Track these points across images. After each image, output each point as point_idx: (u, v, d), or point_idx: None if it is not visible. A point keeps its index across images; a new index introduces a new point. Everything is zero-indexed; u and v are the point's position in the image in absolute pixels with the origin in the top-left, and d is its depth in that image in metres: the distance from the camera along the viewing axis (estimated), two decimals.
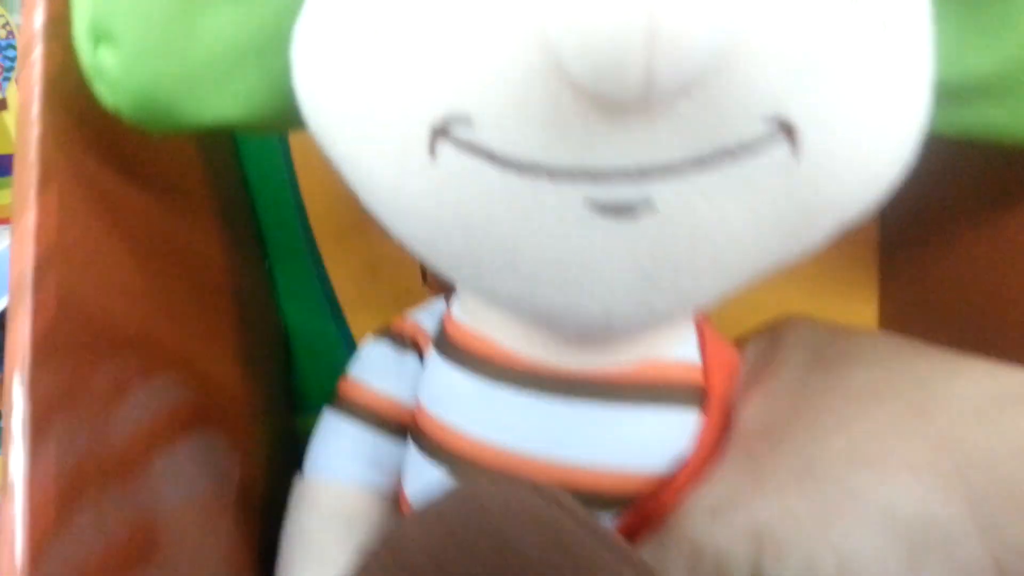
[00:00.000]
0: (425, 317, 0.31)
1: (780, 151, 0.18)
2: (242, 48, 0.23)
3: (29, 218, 0.21)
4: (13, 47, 0.68)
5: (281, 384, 0.38)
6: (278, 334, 0.38)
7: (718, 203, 0.19)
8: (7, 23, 0.67)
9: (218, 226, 0.33)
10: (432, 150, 0.19)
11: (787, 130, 0.18)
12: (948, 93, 0.24)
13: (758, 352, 0.29)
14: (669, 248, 0.20)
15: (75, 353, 0.26)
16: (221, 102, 0.23)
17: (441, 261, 0.22)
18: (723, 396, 0.28)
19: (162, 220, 0.30)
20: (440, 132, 0.18)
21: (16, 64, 0.24)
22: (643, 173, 0.18)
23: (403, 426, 0.30)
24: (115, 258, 0.28)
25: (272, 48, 0.23)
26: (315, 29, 0.21)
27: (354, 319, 0.39)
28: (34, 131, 0.22)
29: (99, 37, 0.22)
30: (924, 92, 0.21)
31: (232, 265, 0.33)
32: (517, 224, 0.19)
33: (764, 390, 0.27)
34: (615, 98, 0.17)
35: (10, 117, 0.67)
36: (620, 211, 0.19)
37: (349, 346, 0.39)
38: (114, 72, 0.22)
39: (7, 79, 0.67)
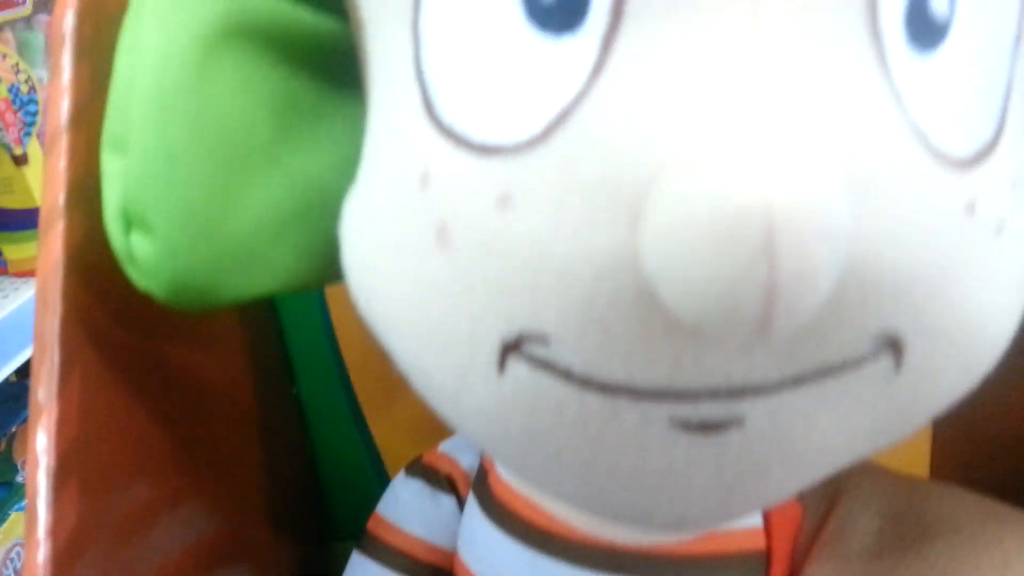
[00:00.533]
0: (462, 450, 0.29)
1: (884, 364, 0.17)
2: (284, 217, 0.21)
3: (50, 415, 0.20)
4: (35, 101, 0.67)
5: (308, 513, 0.36)
6: (305, 463, 0.36)
7: (812, 417, 0.17)
8: (28, 78, 0.66)
9: (243, 360, 0.32)
10: (501, 366, 0.17)
11: (893, 345, 0.17)
12: None
13: (821, 506, 0.28)
14: (756, 460, 0.18)
15: (95, 487, 0.25)
16: (262, 276, 0.21)
17: (502, 459, 0.20)
18: (787, 558, 0.26)
19: (185, 359, 0.28)
20: (512, 348, 0.17)
21: (40, 218, 0.22)
22: (735, 393, 0.16)
23: (436, 570, 0.29)
24: (136, 411, 0.27)
25: (316, 210, 0.21)
26: (369, 214, 0.19)
27: (383, 439, 0.37)
28: (55, 314, 0.20)
29: (131, 222, 0.20)
30: None
31: (257, 396, 0.32)
32: (592, 440, 0.17)
33: (833, 555, 0.26)
34: (722, 342, 0.15)
35: (31, 172, 0.67)
36: (707, 428, 0.17)
37: (379, 471, 0.37)
38: (148, 260, 0.20)
39: (28, 134, 0.66)
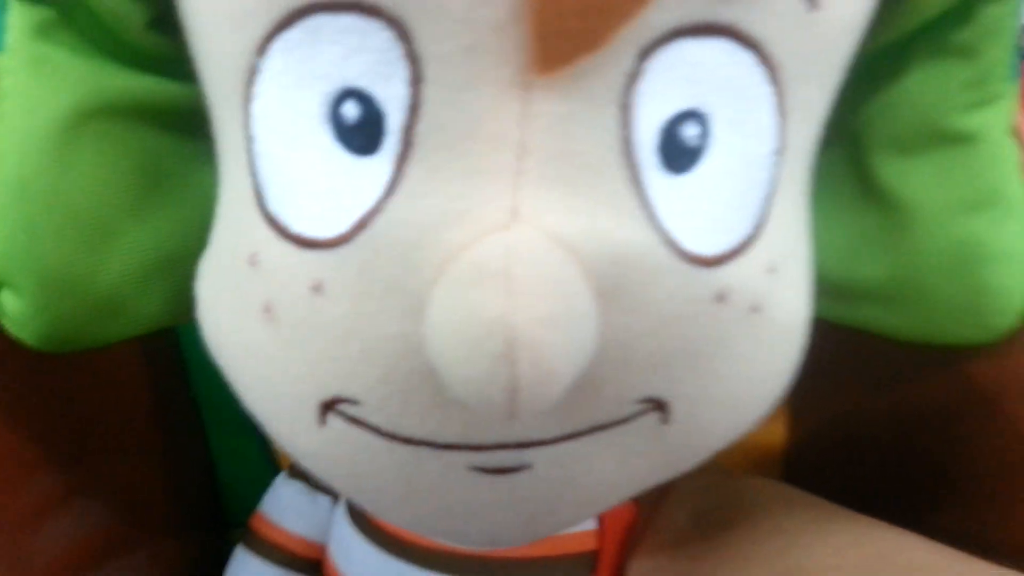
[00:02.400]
0: None
1: (650, 420, 0.20)
2: (149, 269, 0.23)
3: None
4: None
5: (206, 503, 0.39)
6: (202, 457, 0.39)
7: (591, 461, 0.20)
8: None
9: (139, 362, 0.33)
10: (322, 420, 0.20)
11: (658, 404, 0.19)
12: (839, 292, 0.25)
13: (651, 505, 0.31)
14: (546, 496, 0.21)
15: None
16: (129, 322, 0.24)
17: (337, 490, 0.23)
18: (616, 556, 0.29)
19: (79, 361, 0.30)
20: (329, 407, 0.19)
21: None
22: (521, 445, 0.19)
23: (314, 564, 0.31)
24: (28, 411, 0.28)
25: (182, 260, 0.23)
26: (213, 281, 0.21)
27: None
28: None
29: (1, 283, 0.22)
30: (798, 340, 0.22)
31: (153, 396, 0.34)
32: (404, 481, 0.20)
33: (648, 549, 0.29)
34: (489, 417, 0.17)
35: None
36: (501, 471, 0.20)
37: (272, 464, 0.40)
38: (17, 315, 0.22)
39: None
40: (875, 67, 0.23)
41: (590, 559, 0.28)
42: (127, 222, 0.23)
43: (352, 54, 0.17)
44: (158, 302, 0.24)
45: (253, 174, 0.19)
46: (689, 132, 0.18)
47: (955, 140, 0.23)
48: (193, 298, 0.23)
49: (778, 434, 0.39)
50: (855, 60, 0.21)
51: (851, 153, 0.25)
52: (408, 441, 0.19)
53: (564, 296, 0.16)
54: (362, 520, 0.29)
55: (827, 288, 0.24)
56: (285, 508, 0.32)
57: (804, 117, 0.20)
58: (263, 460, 0.40)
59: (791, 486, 0.29)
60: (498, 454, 0.19)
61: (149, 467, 0.34)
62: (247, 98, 0.19)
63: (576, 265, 0.17)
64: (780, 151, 0.20)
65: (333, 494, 0.32)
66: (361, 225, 0.18)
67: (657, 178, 0.18)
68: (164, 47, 0.22)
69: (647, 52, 0.17)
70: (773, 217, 0.20)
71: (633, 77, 0.17)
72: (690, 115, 0.18)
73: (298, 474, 0.33)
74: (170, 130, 0.23)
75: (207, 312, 0.22)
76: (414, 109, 0.17)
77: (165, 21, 0.21)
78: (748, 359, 0.20)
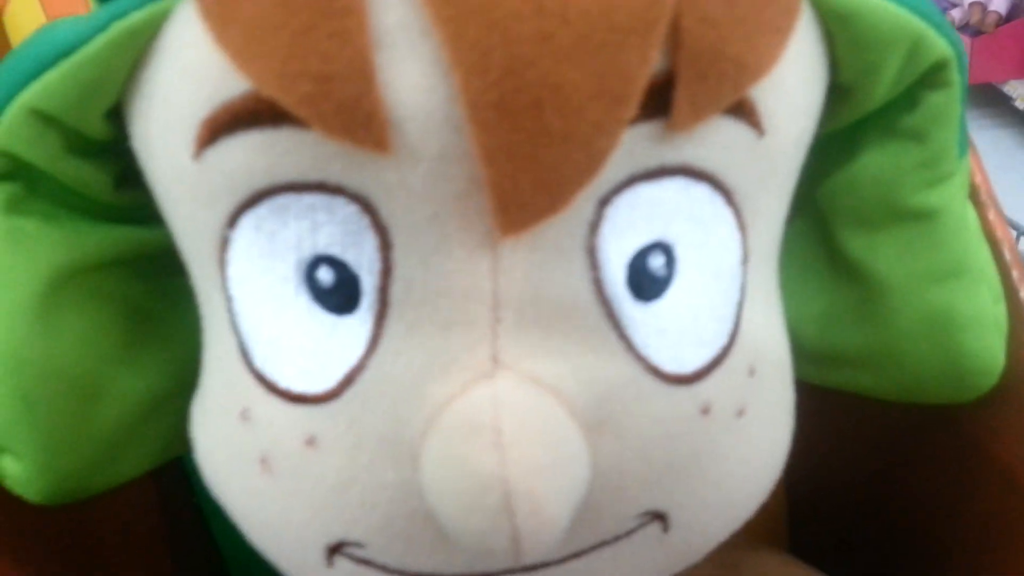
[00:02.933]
0: None
1: (652, 530, 0.20)
2: (142, 412, 0.24)
3: None
4: None
5: None
6: (212, 565, 0.39)
7: (598, 574, 0.20)
8: None
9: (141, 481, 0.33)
10: (329, 562, 0.20)
11: (657, 516, 0.20)
12: (820, 359, 0.25)
13: None
14: None
15: None
16: (131, 463, 0.24)
17: None
18: None
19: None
20: (335, 550, 0.20)
21: None
22: (528, 569, 0.19)
23: None
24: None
25: (173, 397, 0.24)
26: (206, 431, 0.22)
27: None
28: None
29: (1, 449, 0.22)
30: (786, 428, 0.23)
31: (163, 510, 0.34)
32: None
33: None
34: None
35: None
36: None
37: None
38: (19, 478, 0.22)
39: None
40: (832, 147, 0.24)
41: None
42: (116, 370, 0.23)
43: (320, 227, 0.18)
44: (155, 442, 0.24)
45: (236, 332, 0.20)
46: (655, 263, 0.19)
47: (915, 216, 0.23)
48: (188, 433, 0.23)
49: (778, 500, 0.39)
50: (812, 141, 0.22)
51: (818, 226, 0.25)
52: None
53: (554, 442, 0.17)
54: None
55: (806, 354, 0.24)
56: None
57: (764, 224, 0.21)
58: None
59: (793, 559, 0.30)
60: None
61: None
62: (222, 263, 0.19)
63: (561, 406, 0.17)
64: (745, 260, 0.20)
65: None
66: (348, 381, 0.18)
67: (631, 309, 0.18)
68: (135, 198, 0.22)
69: (606, 200, 0.18)
70: (746, 321, 0.21)
71: (595, 224, 0.18)
72: (654, 247, 0.19)
73: None
74: (150, 273, 0.24)
75: (204, 458, 0.22)
76: (386, 272, 0.18)
77: (133, 174, 0.21)
78: (739, 460, 0.21)
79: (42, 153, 0.20)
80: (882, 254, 0.24)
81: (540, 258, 0.17)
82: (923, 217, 0.23)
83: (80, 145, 0.21)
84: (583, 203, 0.17)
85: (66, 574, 0.29)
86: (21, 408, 0.22)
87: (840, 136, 0.24)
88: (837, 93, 0.22)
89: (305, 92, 0.16)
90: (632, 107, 0.16)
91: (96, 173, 0.21)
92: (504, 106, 0.16)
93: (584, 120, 0.16)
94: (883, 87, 0.21)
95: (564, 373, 0.18)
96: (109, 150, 0.21)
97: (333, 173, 0.17)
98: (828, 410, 0.26)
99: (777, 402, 0.22)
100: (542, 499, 0.16)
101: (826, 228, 0.25)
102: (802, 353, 0.23)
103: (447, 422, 0.17)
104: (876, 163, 0.23)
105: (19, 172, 0.21)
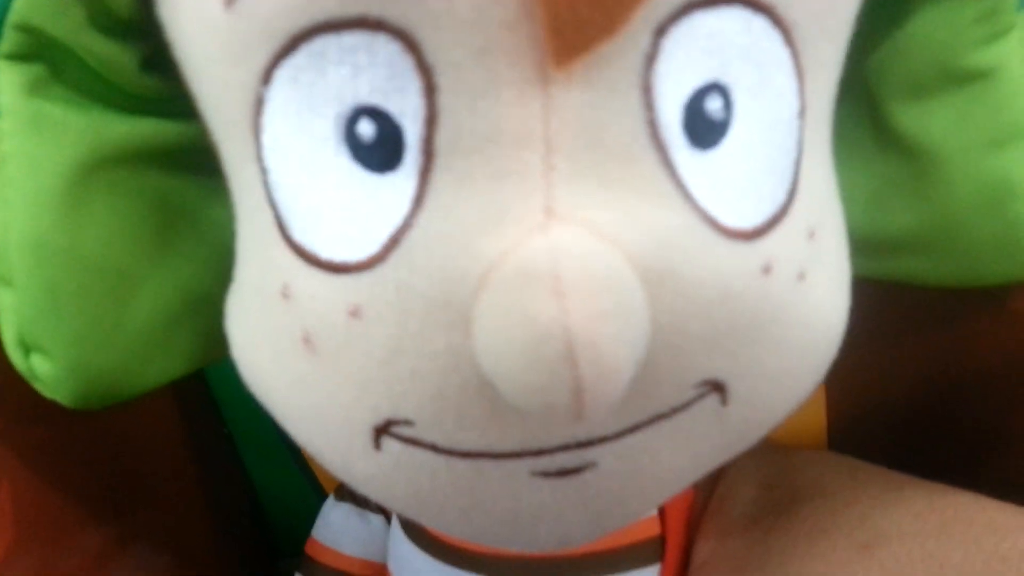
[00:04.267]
0: None
1: (711, 402, 0.19)
2: (175, 313, 0.23)
3: None
4: None
5: (253, 537, 0.39)
6: (244, 492, 0.39)
7: (655, 451, 0.20)
8: None
9: (172, 407, 0.33)
10: (376, 444, 0.19)
11: (716, 386, 0.19)
12: (869, 247, 0.24)
13: (708, 483, 0.30)
14: (614, 491, 0.20)
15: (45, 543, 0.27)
16: (163, 368, 0.23)
17: (397, 512, 0.23)
18: (681, 538, 0.29)
19: (113, 416, 0.30)
20: (382, 430, 0.19)
21: None
22: (583, 445, 0.19)
23: None
24: (72, 469, 0.29)
25: (208, 297, 0.23)
26: (244, 318, 0.21)
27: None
28: None
29: (29, 348, 0.22)
30: (844, 302, 0.22)
31: (189, 436, 0.34)
32: (467, 494, 0.20)
33: (716, 528, 0.29)
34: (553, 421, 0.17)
35: None
36: (564, 473, 0.19)
37: (316, 489, 0.40)
38: (50, 378, 0.22)
39: None
40: (881, 13, 0.23)
41: (656, 545, 0.28)
42: (148, 268, 0.22)
43: (361, 72, 0.17)
44: (189, 344, 0.24)
45: (273, 206, 0.19)
46: (713, 106, 0.18)
47: (972, 77, 0.22)
48: (223, 336, 0.22)
49: (819, 415, 0.38)
50: (861, 8, 0.21)
51: (865, 103, 0.24)
52: (467, 455, 0.19)
53: (614, 289, 0.16)
54: (420, 534, 0.28)
55: (855, 243, 0.23)
56: (338, 531, 0.32)
57: (820, 76, 0.20)
58: (306, 486, 0.39)
59: (848, 456, 0.29)
60: (560, 456, 0.19)
61: (194, 509, 0.35)
62: (256, 130, 0.18)
63: (620, 256, 0.16)
64: (802, 113, 0.19)
65: (385, 512, 0.31)
66: (392, 243, 0.17)
67: (687, 157, 0.17)
68: (161, 87, 0.22)
69: (662, 29, 0.16)
70: (804, 181, 0.20)
71: (651, 57, 0.17)
72: (711, 88, 0.18)
73: (345, 495, 0.32)
74: (178, 169, 0.23)
75: (242, 351, 0.21)
76: (431, 120, 0.17)
77: (158, 61, 0.21)
78: (799, 327, 0.20)
79: (65, 26, 0.19)
80: (935, 123, 0.23)
81: (593, 97, 0.16)
82: (980, 78, 0.22)
83: (104, 20, 0.20)
84: (639, 31, 0.16)
85: (91, 480, 0.29)
86: (48, 301, 0.21)
87: (888, 1, 0.22)
88: None
89: None
90: None
91: (122, 54, 0.21)
92: None
93: None
94: None
95: (621, 222, 0.17)
96: (134, 31, 0.20)
97: (375, 4, 0.16)
98: (865, 319, 0.26)
99: (836, 271, 0.21)
100: (605, 346, 0.16)
101: (873, 104, 0.24)
102: (851, 244, 0.23)
103: (502, 275, 0.16)
104: (930, 22, 0.22)
105: (42, 52, 0.20)
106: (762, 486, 0.29)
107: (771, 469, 0.29)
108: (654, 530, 0.28)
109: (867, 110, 0.24)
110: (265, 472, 0.40)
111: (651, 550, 0.28)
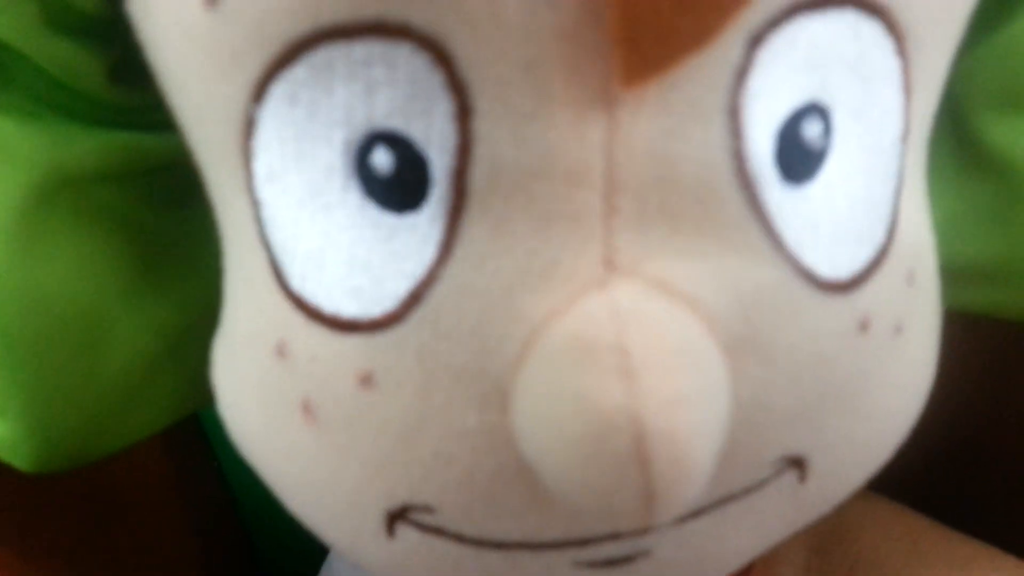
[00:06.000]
0: None
1: (787, 480, 0.17)
2: (153, 359, 0.20)
3: None
4: None
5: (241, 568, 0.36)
6: (237, 537, 0.36)
7: (720, 536, 0.17)
8: None
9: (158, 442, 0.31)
10: (390, 532, 0.16)
11: (795, 463, 0.16)
12: (950, 275, 0.22)
13: None
14: None
15: None
16: (139, 422, 0.21)
17: None
18: None
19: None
20: (397, 516, 0.16)
21: None
22: (637, 533, 0.16)
23: None
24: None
25: (189, 341, 0.20)
26: (233, 373, 0.18)
27: None
28: None
29: None
30: (935, 352, 0.19)
31: (179, 477, 0.32)
32: None
33: None
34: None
35: None
36: (612, 563, 0.17)
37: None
38: (6, 441, 0.19)
39: None
40: (978, 14, 0.20)
41: None
42: (120, 309, 0.19)
43: (377, 88, 0.13)
44: (170, 394, 0.21)
45: (267, 246, 0.16)
46: (811, 131, 0.15)
47: None
48: (209, 381, 0.19)
49: None
50: None
51: (948, 116, 0.21)
52: (500, 546, 0.16)
53: (693, 366, 0.13)
54: None
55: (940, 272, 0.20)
56: None
57: (926, 92, 0.17)
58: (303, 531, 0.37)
59: (903, 507, 0.27)
60: (609, 546, 0.16)
61: (175, 536, 0.32)
62: (247, 156, 0.15)
63: (699, 321, 0.13)
64: (905, 135, 0.16)
65: None
66: (413, 299, 0.14)
67: (778, 194, 0.14)
68: (133, 96, 0.19)
69: (758, 38, 0.13)
70: (904, 215, 0.17)
71: (742, 72, 0.13)
72: (810, 110, 0.15)
73: None
74: (155, 192, 0.20)
75: (231, 410, 0.18)
76: (464, 149, 0.13)
77: (130, 64, 0.18)
78: (893, 390, 0.17)
79: (13, 25, 0.16)
80: None
81: (669, 123, 0.13)
82: None
83: (62, 17, 0.17)
84: (731, 41, 0.13)
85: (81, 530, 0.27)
86: (1, 351, 0.18)
87: (987, 1, 0.19)
88: None
89: None
90: None
91: (85, 57, 0.18)
92: None
93: None
94: None
95: (699, 278, 0.14)
96: (100, 31, 0.17)
97: (396, 5, 0.13)
98: None
99: (930, 318, 0.19)
100: (682, 441, 0.13)
101: (959, 117, 0.21)
102: None
103: (551, 344, 0.13)
104: None
105: None
106: (813, 549, 0.27)
107: (821, 529, 0.27)
108: None
109: (950, 123, 0.22)
110: (258, 507, 0.37)
111: None
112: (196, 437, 0.35)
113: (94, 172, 0.18)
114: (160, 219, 0.20)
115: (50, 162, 0.18)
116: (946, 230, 0.22)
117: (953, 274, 0.22)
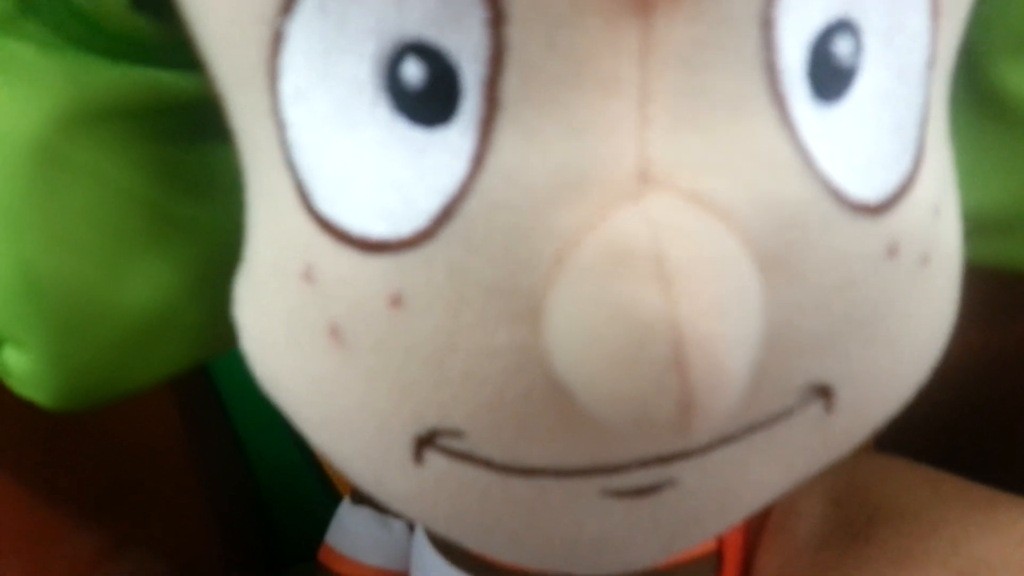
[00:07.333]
0: None
1: (814, 410, 0.17)
2: (174, 297, 0.20)
3: None
4: None
5: (258, 542, 0.36)
6: (249, 493, 0.36)
7: (744, 466, 0.17)
8: None
9: (172, 401, 0.30)
10: (417, 458, 0.16)
11: (821, 392, 0.16)
12: (966, 227, 0.22)
13: None
14: (692, 511, 0.18)
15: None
16: (158, 361, 0.20)
17: (434, 531, 0.20)
18: (740, 553, 0.26)
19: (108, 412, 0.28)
20: (425, 442, 0.16)
21: None
22: (664, 460, 0.16)
23: None
24: (62, 470, 0.27)
25: (210, 285, 0.20)
26: (257, 304, 0.18)
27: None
28: None
29: (1, 338, 0.18)
30: (956, 288, 0.19)
31: (190, 432, 0.32)
32: (522, 517, 0.17)
33: (781, 547, 0.26)
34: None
35: None
36: (640, 492, 0.16)
37: (327, 489, 0.37)
38: (25, 374, 0.19)
39: None
40: None
41: (713, 560, 0.25)
42: (142, 244, 0.19)
43: None
44: (190, 335, 0.21)
45: (292, 169, 0.16)
46: (842, 48, 0.14)
47: None
48: (231, 326, 0.19)
49: None
50: None
51: (963, 60, 0.21)
52: (527, 472, 0.16)
53: (730, 276, 0.13)
54: (448, 546, 0.25)
55: None
56: (356, 538, 0.29)
57: (953, 19, 0.17)
58: (316, 488, 0.36)
59: (918, 464, 0.26)
60: (637, 474, 0.16)
61: (194, 513, 0.32)
62: (273, 75, 0.15)
63: (734, 233, 0.13)
64: (932, 63, 0.16)
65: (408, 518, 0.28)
66: (445, 216, 0.14)
67: (808, 111, 0.14)
68: (154, 30, 0.18)
69: None
70: (929, 146, 0.17)
71: None
72: (841, 26, 0.14)
73: (363, 499, 0.29)
74: (178, 129, 0.20)
75: (254, 343, 0.18)
76: (497, 58, 0.13)
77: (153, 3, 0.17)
78: (916, 319, 0.17)
79: None
80: None
81: (703, 33, 0.13)
82: None
83: None
84: None
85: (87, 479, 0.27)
86: (21, 282, 0.18)
87: None
88: None
89: None
90: None
91: None
92: None
93: None
94: None
95: (734, 192, 0.13)
96: None
97: None
98: None
99: (954, 256, 0.18)
100: (721, 348, 0.12)
101: (975, 62, 0.21)
102: None
103: (585, 255, 0.13)
104: None
105: None
106: (830, 501, 0.26)
107: (837, 480, 0.27)
108: (710, 545, 0.25)
109: (965, 69, 0.21)
110: (273, 472, 0.37)
111: (707, 566, 0.25)
112: (209, 400, 0.35)
113: (115, 106, 0.18)
114: (183, 155, 0.20)
115: (72, 91, 0.18)
116: (963, 182, 0.22)
117: (969, 226, 0.22)
